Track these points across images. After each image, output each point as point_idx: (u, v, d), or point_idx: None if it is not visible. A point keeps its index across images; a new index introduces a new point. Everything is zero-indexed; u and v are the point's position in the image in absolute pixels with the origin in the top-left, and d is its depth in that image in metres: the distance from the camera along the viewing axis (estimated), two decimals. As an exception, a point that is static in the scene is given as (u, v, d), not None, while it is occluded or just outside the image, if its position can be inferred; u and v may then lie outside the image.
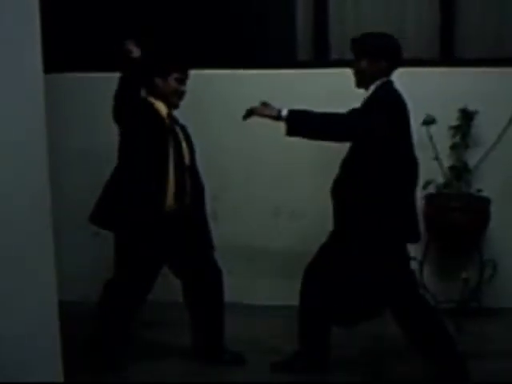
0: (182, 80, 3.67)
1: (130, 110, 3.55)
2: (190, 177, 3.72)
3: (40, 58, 2.64)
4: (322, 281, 3.56)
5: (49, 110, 2.70)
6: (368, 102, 3.45)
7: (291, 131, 3.30)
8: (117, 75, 3.49)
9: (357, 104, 3.49)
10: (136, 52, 3.56)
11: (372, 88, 3.47)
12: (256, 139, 4.59)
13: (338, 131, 3.34)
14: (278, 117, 3.33)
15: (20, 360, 2.52)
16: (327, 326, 3.65)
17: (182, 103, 3.69)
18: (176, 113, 3.74)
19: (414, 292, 3.54)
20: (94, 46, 4.69)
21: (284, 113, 3.32)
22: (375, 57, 3.45)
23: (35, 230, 2.65)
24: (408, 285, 3.51)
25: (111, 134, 3.73)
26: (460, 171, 4.42)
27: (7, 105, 2.44)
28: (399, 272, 3.46)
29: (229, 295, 3.89)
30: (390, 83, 3.50)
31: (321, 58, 4.63)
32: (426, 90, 4.34)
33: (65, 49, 4.58)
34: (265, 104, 3.42)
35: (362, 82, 3.51)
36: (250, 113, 3.41)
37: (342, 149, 3.51)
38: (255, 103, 3.54)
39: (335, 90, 3.81)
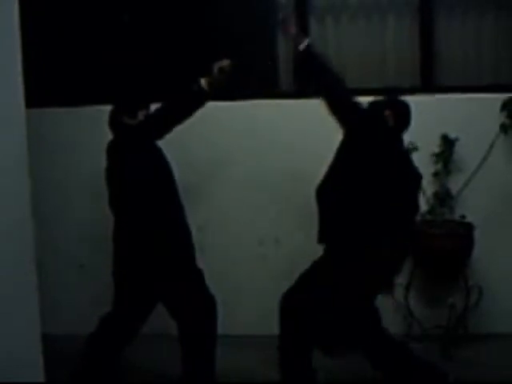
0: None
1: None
2: None
3: (21, 93, 2.66)
4: (301, 308, 3.53)
5: (30, 145, 2.71)
6: None
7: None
8: (98, 108, 3.49)
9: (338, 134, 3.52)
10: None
11: None
12: (240, 169, 4.61)
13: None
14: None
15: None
16: (309, 355, 3.62)
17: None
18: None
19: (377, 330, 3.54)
20: (76, 80, 4.72)
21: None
22: None
23: (18, 263, 2.65)
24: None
25: (93, 167, 3.72)
26: (443, 198, 4.44)
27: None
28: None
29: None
30: None
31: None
32: (407, 117, 4.38)
33: (46, 83, 4.60)
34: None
35: None
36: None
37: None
38: (237, 134, 3.58)
39: (316, 120, 3.84)
